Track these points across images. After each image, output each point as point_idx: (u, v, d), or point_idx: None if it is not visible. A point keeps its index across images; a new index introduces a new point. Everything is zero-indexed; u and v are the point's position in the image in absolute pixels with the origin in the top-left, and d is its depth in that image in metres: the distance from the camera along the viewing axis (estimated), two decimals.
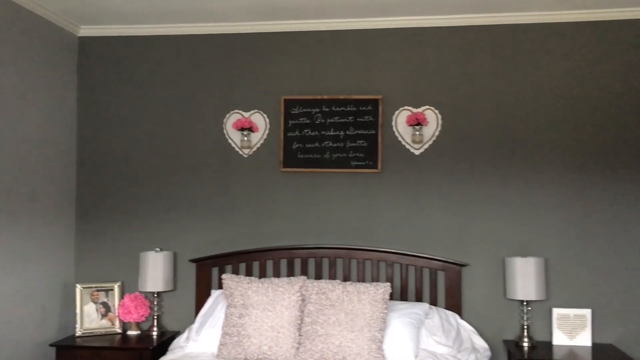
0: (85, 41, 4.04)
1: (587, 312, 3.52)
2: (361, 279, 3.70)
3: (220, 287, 3.68)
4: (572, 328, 3.52)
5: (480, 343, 3.45)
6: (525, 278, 3.45)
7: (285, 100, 3.85)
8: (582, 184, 3.63)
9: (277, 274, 3.76)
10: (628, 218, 3.59)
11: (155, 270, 3.71)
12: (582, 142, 3.64)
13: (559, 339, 3.52)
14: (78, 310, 3.72)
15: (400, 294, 3.68)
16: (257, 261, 3.80)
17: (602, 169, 3.62)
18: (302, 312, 3.25)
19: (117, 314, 3.79)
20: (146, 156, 3.98)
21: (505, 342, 3.59)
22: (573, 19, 3.64)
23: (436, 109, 3.76)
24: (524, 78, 3.70)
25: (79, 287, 3.76)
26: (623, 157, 3.60)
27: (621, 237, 3.59)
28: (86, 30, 4.02)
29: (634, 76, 3.60)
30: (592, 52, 3.64)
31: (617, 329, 3.56)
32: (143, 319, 3.77)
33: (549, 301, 3.59)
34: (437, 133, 3.75)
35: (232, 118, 3.91)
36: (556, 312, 3.54)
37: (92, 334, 3.71)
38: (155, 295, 3.79)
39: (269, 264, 3.81)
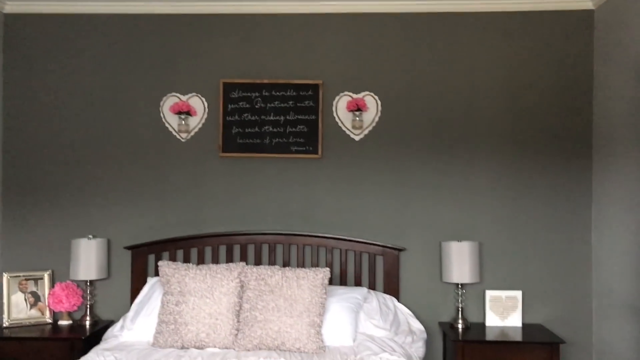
0: (11, 18, 3.82)
1: (518, 294, 3.66)
2: (301, 265, 3.70)
3: (156, 274, 3.60)
4: (504, 309, 3.65)
5: (417, 325, 3.52)
6: (460, 262, 3.54)
7: (224, 84, 3.78)
8: (515, 172, 3.75)
9: (215, 261, 3.71)
10: (556, 205, 3.73)
11: (87, 258, 3.59)
12: (515, 130, 3.76)
13: (492, 320, 3.64)
14: (5, 300, 3.56)
15: (340, 279, 3.71)
16: (195, 248, 3.74)
17: (532, 157, 3.74)
18: (241, 298, 3.23)
19: (47, 304, 3.65)
20: (79, 140, 3.82)
21: (441, 324, 3.68)
22: (508, 9, 3.73)
23: (376, 95, 3.78)
24: (461, 66, 3.77)
25: (5, 276, 3.60)
26: (552, 146, 3.74)
27: (549, 222, 3.73)
28: (12, 7, 3.80)
29: (565, 67, 3.74)
30: (525, 43, 3.75)
31: (545, 309, 3.71)
32: (75, 308, 3.64)
33: (482, 284, 3.70)
34: (376, 119, 3.78)
35: (169, 101, 3.81)
36: (489, 294, 3.66)
37: (20, 325, 3.56)
38: (88, 283, 3.67)
39: (208, 251, 3.75)
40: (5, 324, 3.53)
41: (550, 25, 3.73)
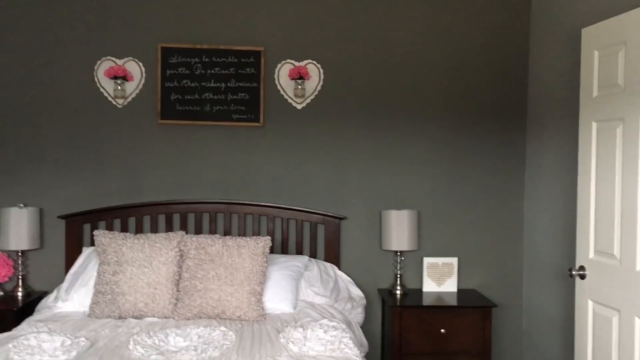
0: None
1: (454, 261, 3.77)
2: (242, 234, 3.69)
3: (92, 244, 3.51)
4: (440, 275, 3.76)
5: (357, 292, 3.59)
6: (399, 230, 3.61)
7: (163, 48, 3.66)
8: (452, 142, 3.84)
9: (154, 230, 3.64)
10: (492, 174, 3.85)
11: (18, 228, 3.45)
12: (452, 100, 3.83)
13: (429, 286, 3.76)
14: None
15: (281, 248, 3.72)
16: (133, 217, 3.65)
17: (469, 127, 3.84)
18: (181, 267, 3.19)
19: None
20: (7, 104, 3.62)
21: (380, 290, 3.76)
22: None
23: (318, 63, 3.75)
24: (400, 35, 3.79)
25: None
26: (488, 116, 3.84)
27: (485, 191, 3.86)
28: None
29: (502, 37, 3.82)
30: (464, 12, 3.80)
31: (479, 275, 3.86)
32: (6, 279, 3.50)
33: (420, 251, 3.80)
34: (319, 88, 3.76)
35: (104, 65, 3.65)
36: (426, 261, 3.76)
37: None
38: (20, 253, 3.53)
39: (146, 220, 3.67)
40: None
41: None
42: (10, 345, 2.52)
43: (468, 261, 3.85)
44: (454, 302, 3.55)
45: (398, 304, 3.49)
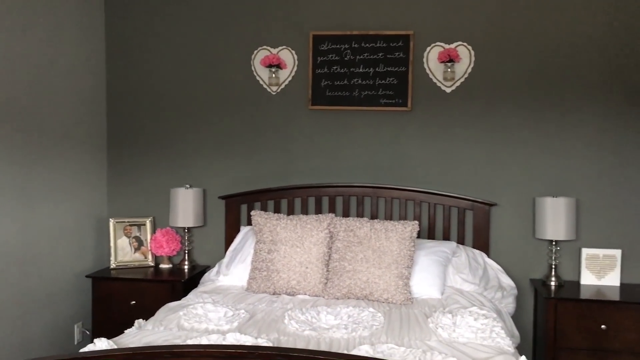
0: None
1: (617, 253, 3.49)
2: (389, 218, 3.71)
3: (249, 223, 3.74)
4: (601, 268, 3.51)
5: (507, 281, 3.46)
6: (555, 218, 3.42)
7: (314, 36, 3.77)
8: (617, 125, 3.54)
9: (305, 212, 3.79)
10: None
11: (185, 206, 3.77)
12: (619, 82, 3.52)
13: (587, 278, 3.52)
14: (112, 244, 3.83)
15: (428, 233, 3.69)
16: (285, 199, 3.83)
17: (638, 110, 3.50)
18: (330, 248, 3.29)
19: (149, 248, 3.90)
20: (175, 94, 3.97)
21: (533, 280, 3.60)
22: None
23: (469, 45, 3.65)
24: (562, 13, 3.55)
25: (112, 222, 3.86)
26: None
27: None
28: None
29: None
30: None
31: None
32: (174, 253, 3.86)
33: (578, 241, 3.57)
34: (469, 70, 3.65)
35: (260, 54, 3.86)
36: (585, 252, 3.52)
37: (125, 267, 3.83)
38: (186, 230, 3.87)
39: (297, 202, 3.83)
40: (112, 265, 3.81)
41: None
42: (180, 313, 2.79)
43: (633, 254, 3.54)
44: (616, 297, 3.29)
45: (553, 295, 3.31)
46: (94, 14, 3.89)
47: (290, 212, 3.80)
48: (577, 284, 3.53)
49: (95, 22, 3.91)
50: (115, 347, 2.29)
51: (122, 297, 3.60)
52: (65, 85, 3.59)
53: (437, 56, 3.67)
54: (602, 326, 3.19)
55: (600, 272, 3.51)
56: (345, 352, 2.34)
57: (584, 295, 3.31)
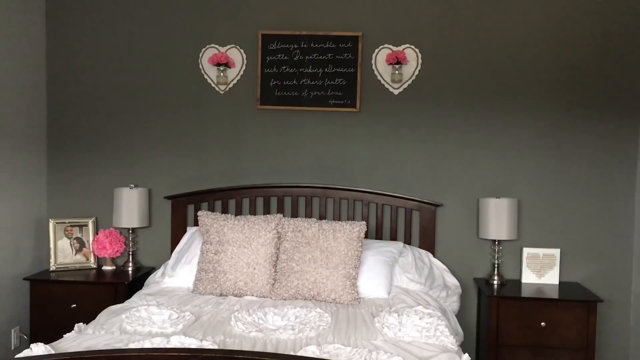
0: None
1: (556, 252, 3.62)
2: (337, 218, 3.73)
3: (195, 224, 3.68)
4: (541, 267, 3.62)
5: (452, 280, 3.53)
6: (498, 218, 3.51)
7: (263, 35, 3.75)
8: (556, 129, 3.67)
9: (253, 212, 3.77)
10: (600, 163, 3.65)
11: (129, 207, 3.68)
12: (561, 86, 3.65)
13: (528, 277, 3.63)
14: (52, 245, 3.69)
15: (376, 233, 3.73)
16: (233, 199, 3.79)
17: (579, 113, 3.64)
18: (278, 249, 3.28)
19: (91, 250, 3.78)
20: (120, 91, 3.87)
21: (476, 279, 3.69)
22: None
23: (417, 47, 3.70)
24: (503, 15, 3.65)
25: (52, 222, 3.72)
26: (600, 102, 3.63)
27: (592, 180, 3.66)
28: None
29: (613, 20, 3.58)
30: None
31: (583, 268, 3.68)
32: (118, 254, 3.76)
33: (519, 241, 3.68)
34: (416, 72, 3.71)
35: (208, 52, 3.80)
36: (526, 251, 3.63)
37: (66, 269, 3.70)
38: (130, 231, 3.78)
39: (245, 202, 3.80)
40: (52, 267, 3.68)
41: None
42: (123, 316, 2.71)
43: (571, 253, 3.68)
44: (555, 295, 3.41)
45: (496, 294, 3.40)
46: (35, 4, 3.75)
47: (238, 212, 3.77)
48: (518, 282, 3.63)
49: (36, 15, 3.76)
50: (53, 352, 2.20)
51: (62, 301, 3.48)
52: (2, 78, 3.44)
53: (385, 58, 3.71)
54: (542, 323, 3.30)
55: (540, 271, 3.62)
56: (292, 353, 2.33)
57: (525, 293, 3.42)
